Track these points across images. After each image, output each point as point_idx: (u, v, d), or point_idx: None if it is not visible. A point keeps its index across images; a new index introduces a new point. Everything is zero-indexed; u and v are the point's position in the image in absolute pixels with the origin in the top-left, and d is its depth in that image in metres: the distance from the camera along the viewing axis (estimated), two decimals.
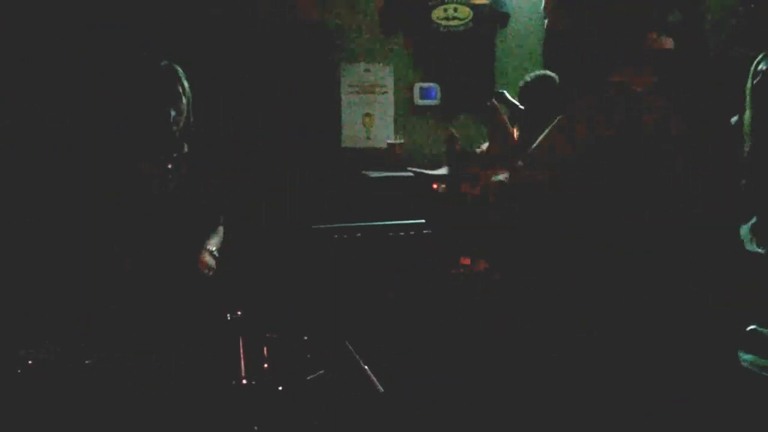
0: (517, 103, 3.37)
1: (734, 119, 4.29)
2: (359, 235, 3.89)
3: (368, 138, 5.19)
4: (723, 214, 1.96)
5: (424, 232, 3.88)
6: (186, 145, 3.26)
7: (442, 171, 4.10)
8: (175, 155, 3.19)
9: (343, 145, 5.18)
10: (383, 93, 5.20)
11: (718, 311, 1.88)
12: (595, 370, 1.85)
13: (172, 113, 3.06)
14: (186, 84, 3.22)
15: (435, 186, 3.85)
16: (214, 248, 3.28)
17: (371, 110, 5.20)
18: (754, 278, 2.14)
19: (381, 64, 5.19)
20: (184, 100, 3.19)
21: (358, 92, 5.19)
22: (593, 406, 1.86)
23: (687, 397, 1.88)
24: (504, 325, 2.04)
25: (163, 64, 3.23)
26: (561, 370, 1.87)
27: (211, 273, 3.21)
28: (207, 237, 3.30)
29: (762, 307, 2.18)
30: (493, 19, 5.28)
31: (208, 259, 3.22)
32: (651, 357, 1.87)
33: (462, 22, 5.22)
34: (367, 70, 5.17)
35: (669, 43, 2.03)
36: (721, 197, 1.92)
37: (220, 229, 3.40)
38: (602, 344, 1.86)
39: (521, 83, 3.73)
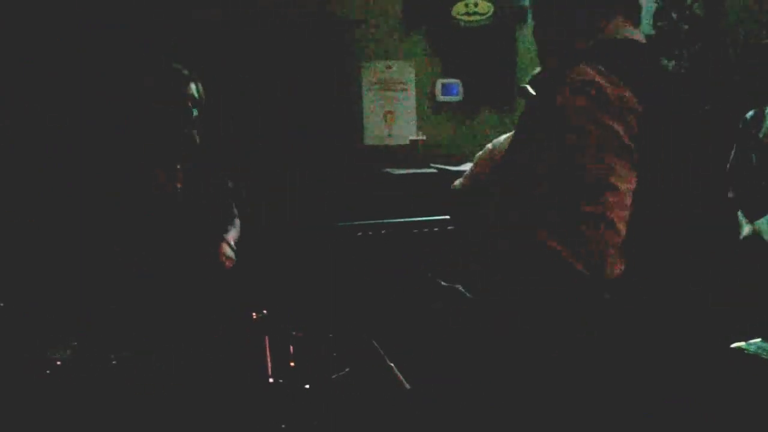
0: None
1: (750, 114, 4.24)
2: (383, 232, 3.88)
3: (390, 135, 5.18)
4: (723, 214, 1.93)
5: (449, 228, 3.87)
6: (198, 142, 3.24)
7: (465, 167, 4.10)
8: (189, 154, 3.18)
9: (365, 142, 5.17)
10: (404, 90, 5.19)
11: (718, 311, 1.86)
12: (595, 371, 1.85)
13: (186, 131, 3.06)
14: (194, 85, 3.20)
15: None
16: (232, 241, 3.28)
17: (392, 107, 5.19)
18: None
19: (402, 61, 5.18)
20: (195, 111, 3.18)
21: (379, 89, 5.18)
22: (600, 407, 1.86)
23: (686, 396, 1.87)
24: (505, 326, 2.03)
25: (174, 65, 3.23)
26: (562, 370, 1.87)
27: (230, 265, 3.20)
28: (225, 231, 3.30)
29: None
30: (514, 13, 5.25)
31: (227, 251, 3.21)
32: (650, 357, 1.87)
33: (483, 17, 5.20)
34: (388, 67, 5.16)
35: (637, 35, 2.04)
36: (721, 197, 1.89)
37: (237, 222, 3.40)
38: (602, 345, 1.85)
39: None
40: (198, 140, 3.21)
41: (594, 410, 1.85)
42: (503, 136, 3.63)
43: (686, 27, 5.35)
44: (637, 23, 2.06)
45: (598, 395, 1.85)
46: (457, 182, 3.66)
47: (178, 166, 3.14)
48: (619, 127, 1.75)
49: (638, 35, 2.02)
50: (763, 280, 3.50)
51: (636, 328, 1.85)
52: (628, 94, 1.80)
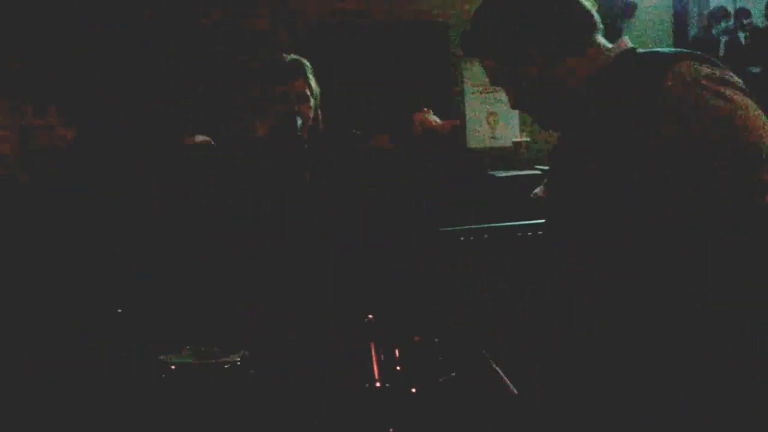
0: None
1: None
2: (486, 236, 3.86)
3: (493, 137, 5.15)
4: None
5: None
6: (309, 144, 3.25)
7: None
8: (301, 156, 3.19)
9: (469, 145, 5.16)
10: None
11: (719, 311, 1.77)
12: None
13: (299, 121, 3.06)
14: (313, 81, 3.20)
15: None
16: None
17: (496, 109, 5.16)
18: None
19: None
20: (312, 102, 3.17)
21: (481, 91, 5.16)
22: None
23: (689, 397, 1.80)
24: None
25: (289, 58, 3.21)
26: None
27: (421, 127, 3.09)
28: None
29: None
30: (620, 9, 5.14)
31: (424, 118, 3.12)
32: (652, 357, 1.83)
33: None
34: None
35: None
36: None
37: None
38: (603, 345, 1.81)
39: None
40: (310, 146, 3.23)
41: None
42: None
43: None
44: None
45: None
46: (537, 190, 3.58)
47: (298, 167, 3.14)
48: None
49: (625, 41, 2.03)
50: None
51: (636, 329, 1.85)
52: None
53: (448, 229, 3.84)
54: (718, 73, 1.81)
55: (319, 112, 3.20)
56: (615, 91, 1.91)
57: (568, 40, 2.03)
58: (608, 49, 2.07)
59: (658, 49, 2.06)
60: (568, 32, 2.04)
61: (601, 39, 2.10)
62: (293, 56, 3.17)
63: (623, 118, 1.81)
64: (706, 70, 1.81)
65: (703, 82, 1.77)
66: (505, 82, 2.10)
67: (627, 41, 2.11)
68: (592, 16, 2.08)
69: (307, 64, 3.16)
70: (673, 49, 2.01)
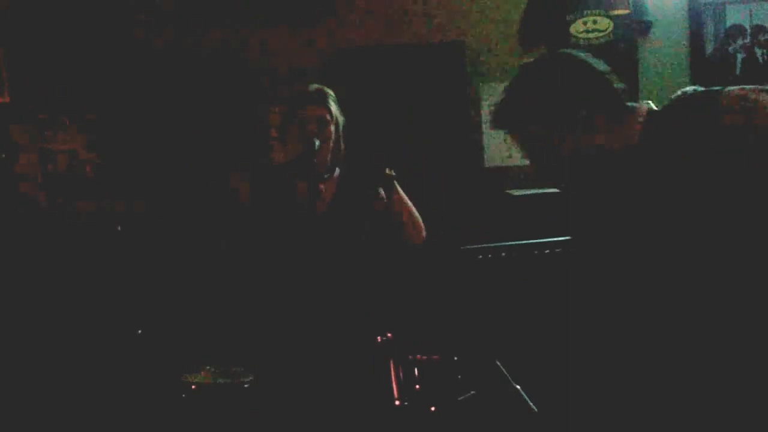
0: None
1: None
2: (503, 254, 3.86)
3: (510, 156, 5.16)
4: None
5: (571, 249, 3.81)
6: (337, 169, 3.27)
7: None
8: (326, 177, 3.21)
9: (486, 164, 5.17)
10: None
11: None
12: None
13: (317, 143, 3.08)
14: (334, 108, 3.23)
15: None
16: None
17: None
18: None
19: None
20: (332, 128, 3.20)
21: None
22: None
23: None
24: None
25: (312, 88, 3.26)
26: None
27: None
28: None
29: None
30: (635, 28, 5.16)
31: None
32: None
33: (602, 33, 5.12)
34: None
35: None
36: None
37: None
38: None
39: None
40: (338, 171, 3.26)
41: None
42: None
43: None
44: None
45: None
46: None
47: (322, 187, 3.16)
48: None
49: None
50: None
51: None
52: None
53: (466, 248, 3.85)
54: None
55: (341, 141, 3.23)
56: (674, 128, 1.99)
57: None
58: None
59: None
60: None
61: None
62: (316, 85, 3.23)
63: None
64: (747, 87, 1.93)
65: (752, 93, 1.90)
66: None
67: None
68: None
69: (330, 92, 3.21)
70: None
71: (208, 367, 3.07)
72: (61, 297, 4.01)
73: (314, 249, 3.06)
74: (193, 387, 2.90)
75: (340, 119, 3.25)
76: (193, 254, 4.34)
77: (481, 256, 3.82)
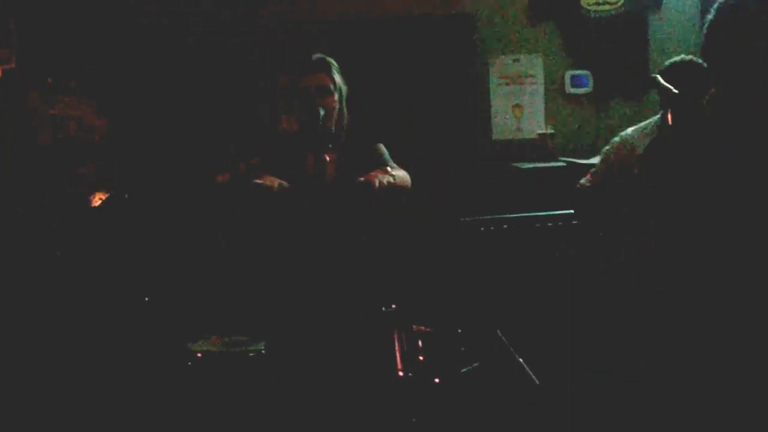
0: (671, 87, 3.24)
1: None
2: (505, 226, 3.87)
3: (518, 129, 5.14)
4: None
5: (573, 222, 3.82)
6: (342, 137, 3.23)
7: (595, 160, 4.03)
8: (330, 146, 3.18)
9: (494, 137, 5.15)
10: (532, 83, 5.15)
11: None
12: None
13: (321, 112, 3.08)
14: (337, 77, 3.21)
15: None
16: (393, 172, 3.09)
17: (521, 101, 5.15)
18: None
19: (530, 54, 5.14)
20: (336, 96, 3.18)
21: (507, 83, 5.16)
22: None
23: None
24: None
25: (314, 57, 3.25)
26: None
27: (379, 188, 2.97)
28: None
29: None
30: (647, 2, 5.11)
31: (381, 176, 3.01)
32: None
33: (613, 6, 5.09)
34: (515, 60, 5.13)
35: None
36: None
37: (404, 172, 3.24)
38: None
39: (661, 68, 3.60)
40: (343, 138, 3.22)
41: None
42: (630, 129, 3.55)
43: None
44: None
45: None
46: (583, 180, 3.61)
47: (327, 158, 3.13)
48: None
49: None
50: None
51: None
52: None
53: (468, 219, 3.86)
54: None
55: (345, 110, 3.21)
56: None
57: None
58: None
59: None
60: None
61: None
62: (319, 54, 3.22)
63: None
64: None
65: None
66: None
67: None
68: None
69: (333, 62, 3.20)
70: None
71: (214, 336, 3.09)
72: (66, 265, 4.03)
73: (321, 219, 3.06)
74: (198, 355, 2.93)
75: (344, 88, 3.23)
76: (200, 224, 4.36)
77: (483, 228, 3.83)
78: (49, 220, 4.11)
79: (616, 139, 3.50)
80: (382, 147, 3.26)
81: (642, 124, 3.45)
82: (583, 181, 3.50)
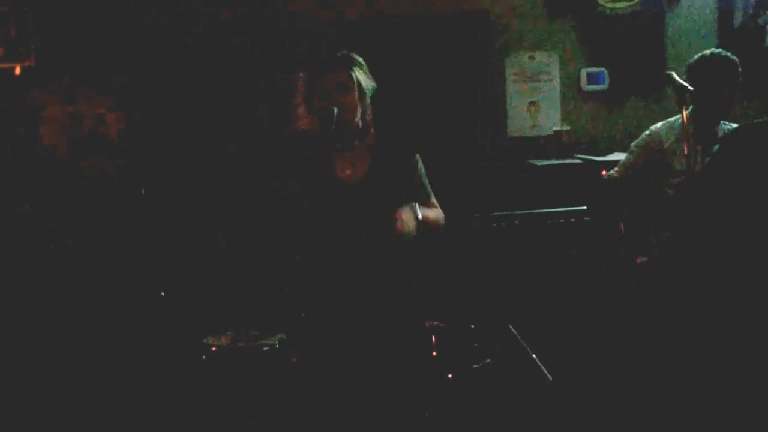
0: (686, 84, 3.25)
1: None
2: (517, 223, 3.87)
3: (534, 126, 5.14)
4: None
5: (585, 219, 3.82)
6: (367, 136, 3.17)
7: (612, 157, 4.03)
8: (357, 143, 3.12)
9: (510, 134, 5.15)
10: (548, 80, 5.14)
11: None
12: None
13: (335, 110, 3.01)
14: (360, 74, 3.13)
15: (604, 173, 3.79)
16: (419, 212, 2.92)
17: (537, 98, 5.15)
18: None
19: (545, 51, 5.13)
20: (355, 94, 3.11)
21: (523, 81, 5.15)
22: None
23: None
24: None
25: (339, 54, 3.18)
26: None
27: (407, 236, 2.86)
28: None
29: None
30: None
31: (406, 218, 2.88)
32: None
33: (630, 3, 5.07)
34: (531, 58, 5.12)
35: None
36: None
37: (438, 211, 3.13)
38: None
39: (689, 63, 3.58)
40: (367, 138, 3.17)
41: None
42: (659, 123, 3.57)
43: None
44: None
45: None
46: (611, 171, 3.64)
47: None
48: None
49: None
50: None
51: None
52: None
53: (480, 216, 3.86)
54: None
55: (368, 109, 3.16)
56: None
57: None
58: None
59: None
60: None
61: None
62: (344, 51, 3.17)
63: None
64: None
65: None
66: None
67: None
68: None
69: (358, 58, 3.14)
70: None
71: (229, 331, 3.11)
72: (83, 259, 4.07)
73: (343, 219, 3.02)
74: (213, 349, 2.95)
75: (370, 85, 3.16)
76: (218, 220, 4.38)
77: (495, 225, 3.83)
78: (51, 217, 4.15)
79: (646, 132, 3.58)
80: (421, 166, 3.16)
81: (671, 119, 3.51)
82: (611, 172, 3.57)
